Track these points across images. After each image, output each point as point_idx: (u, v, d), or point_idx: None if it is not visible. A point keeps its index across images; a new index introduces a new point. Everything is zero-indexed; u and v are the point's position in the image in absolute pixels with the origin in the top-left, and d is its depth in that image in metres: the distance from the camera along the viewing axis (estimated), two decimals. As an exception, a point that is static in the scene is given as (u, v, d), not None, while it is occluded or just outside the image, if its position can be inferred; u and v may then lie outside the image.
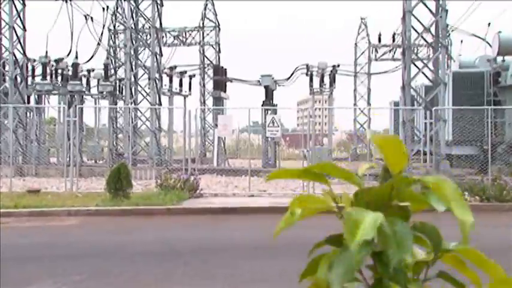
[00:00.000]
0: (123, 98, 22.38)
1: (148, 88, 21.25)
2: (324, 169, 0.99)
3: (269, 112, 22.60)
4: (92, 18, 21.97)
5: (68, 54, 22.29)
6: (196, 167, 17.10)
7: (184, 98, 27.72)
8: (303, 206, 0.97)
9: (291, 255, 7.68)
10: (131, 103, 20.64)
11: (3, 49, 20.35)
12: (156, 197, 13.16)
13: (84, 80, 24.27)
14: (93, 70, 24.95)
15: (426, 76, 19.57)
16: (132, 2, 20.89)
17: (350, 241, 0.85)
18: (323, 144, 25.29)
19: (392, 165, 0.96)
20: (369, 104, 31.54)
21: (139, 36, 21.40)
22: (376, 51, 32.47)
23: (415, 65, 18.70)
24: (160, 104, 21.47)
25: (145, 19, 21.52)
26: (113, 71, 22.87)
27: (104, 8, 22.83)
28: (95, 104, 25.51)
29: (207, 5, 29.27)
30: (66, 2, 21.06)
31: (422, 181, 0.94)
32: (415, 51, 24.84)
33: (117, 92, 23.12)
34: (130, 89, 20.86)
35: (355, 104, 31.95)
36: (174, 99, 26.70)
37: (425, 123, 16.45)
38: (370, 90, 32.24)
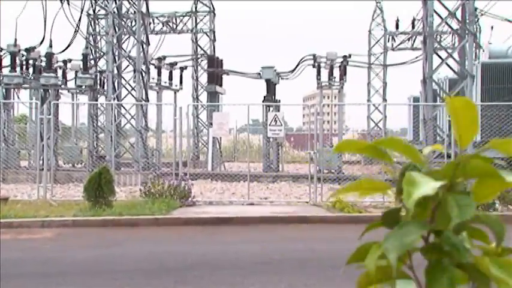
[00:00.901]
0: (105, 92, 22.35)
1: (134, 82, 21.24)
2: (390, 145, 1.04)
3: (271, 109, 22.58)
4: (68, 1, 21.96)
5: (41, 43, 22.27)
6: (188, 171, 17.17)
7: (175, 93, 27.74)
8: (363, 189, 1.05)
9: (296, 270, 7.66)
10: (114, 99, 20.63)
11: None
12: (143, 206, 13.21)
13: (59, 72, 24.24)
14: (70, 61, 24.91)
15: (450, 68, 19.55)
16: (115, -17, 20.89)
17: (407, 198, 0.90)
18: (332, 145, 25.31)
19: (461, 137, 1.01)
20: (384, 99, 31.57)
21: (122, 23, 21.40)
22: (393, 39, 32.49)
23: (437, 55, 18.69)
24: (147, 99, 21.48)
25: (129, 3, 21.51)
26: (92, 62, 22.87)
27: (82, -10, 22.79)
28: (72, 99, 25.49)
29: (200, -14, 29.29)
30: (39, -17, 21.07)
31: (488, 146, 0.98)
32: (438, 39, 24.84)
33: (98, 86, 23.10)
34: (113, 83, 20.85)
35: (368, 100, 31.98)
36: (163, 95, 26.72)
37: (450, 121, 16.44)
38: (386, 84, 32.26)
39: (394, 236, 0.92)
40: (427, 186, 0.92)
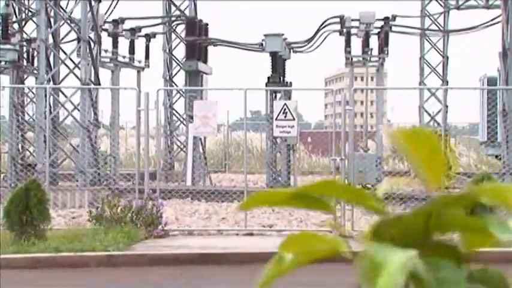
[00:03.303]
0: (35, 71, 22.24)
1: (78, 56, 21.18)
2: (324, 190, 1.08)
3: (278, 96, 22.47)
4: None
5: None
6: (158, 186, 17.06)
7: (138, 73, 27.70)
8: (298, 249, 1.07)
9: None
10: (49, 80, 20.55)
11: None
12: (91, 237, 13.17)
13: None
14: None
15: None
16: None
17: None
18: (368, 149, 25.26)
19: (425, 179, 1.05)
20: (445, 81, 31.50)
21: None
22: (458, -6, 32.39)
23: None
24: (97, 82, 21.43)
25: None
26: (17, 27, 22.80)
27: None
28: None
29: None
30: None
31: (473, 194, 1.02)
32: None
33: (25, 61, 23.03)
34: (48, 58, 20.78)
35: (421, 83, 31.90)
36: (120, 75, 26.67)
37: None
38: (447, 58, 32.18)
39: None
40: (396, 271, 0.93)
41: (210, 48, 25.55)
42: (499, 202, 1.02)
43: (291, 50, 24.80)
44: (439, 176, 1.06)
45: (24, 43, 22.89)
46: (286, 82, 23.67)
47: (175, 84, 28.03)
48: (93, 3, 21.02)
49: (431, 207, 1.03)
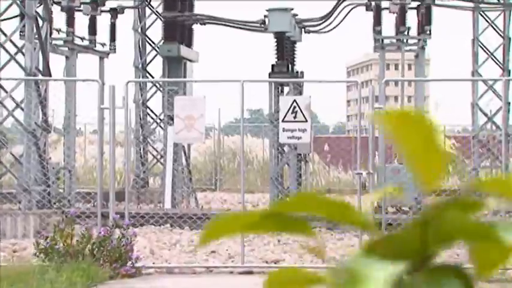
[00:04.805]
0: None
1: (21, 37, 21.17)
2: (300, 206, 1.12)
3: (286, 90, 22.47)
4: None
5: None
6: (126, 209, 17.06)
7: (102, 60, 27.67)
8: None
9: None
10: (-18, 70, 20.54)
11: None
12: (38, 278, 13.09)
13: None
14: None
15: None
16: None
17: None
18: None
19: (422, 175, 1.08)
20: (506, 71, 31.48)
21: None
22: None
23: None
24: (47, 72, 21.48)
25: None
26: None
27: None
28: None
29: None
30: None
31: (474, 188, 1.07)
32: None
33: None
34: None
35: (474, 72, 31.90)
36: (78, 63, 26.63)
37: None
38: (509, 40, 32.18)
39: None
40: (378, 284, 0.99)
41: (196, 28, 25.63)
42: (502, 193, 1.06)
43: (303, 30, 24.81)
44: (436, 172, 1.08)
45: None
46: (296, 72, 23.71)
47: (150, 75, 28.06)
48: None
49: (427, 215, 1.06)
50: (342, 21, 24.92)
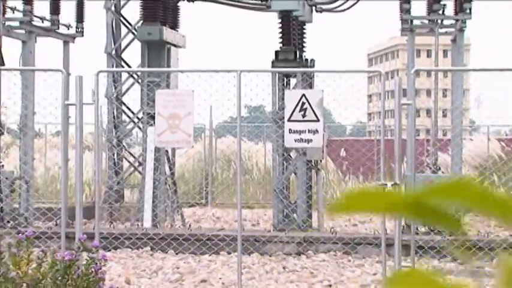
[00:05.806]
0: None
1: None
2: (453, 194, 1.26)
3: (293, 82, 22.47)
4: None
5: None
6: (96, 229, 16.99)
7: (66, 45, 27.78)
8: None
9: None
10: None
11: None
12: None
13: None
14: None
15: None
16: None
17: None
18: (438, 168, 25.21)
19: None
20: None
21: None
22: None
23: None
24: (0, 61, 21.34)
25: None
26: None
27: None
28: None
29: None
30: None
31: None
32: None
33: None
34: None
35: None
36: (38, 48, 26.67)
37: None
38: None
39: None
40: None
41: (183, 5, 25.62)
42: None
43: (313, 8, 24.81)
44: None
45: None
46: (306, 60, 23.78)
47: (127, 64, 28.22)
48: None
49: None
50: (359, -1, 25.02)
